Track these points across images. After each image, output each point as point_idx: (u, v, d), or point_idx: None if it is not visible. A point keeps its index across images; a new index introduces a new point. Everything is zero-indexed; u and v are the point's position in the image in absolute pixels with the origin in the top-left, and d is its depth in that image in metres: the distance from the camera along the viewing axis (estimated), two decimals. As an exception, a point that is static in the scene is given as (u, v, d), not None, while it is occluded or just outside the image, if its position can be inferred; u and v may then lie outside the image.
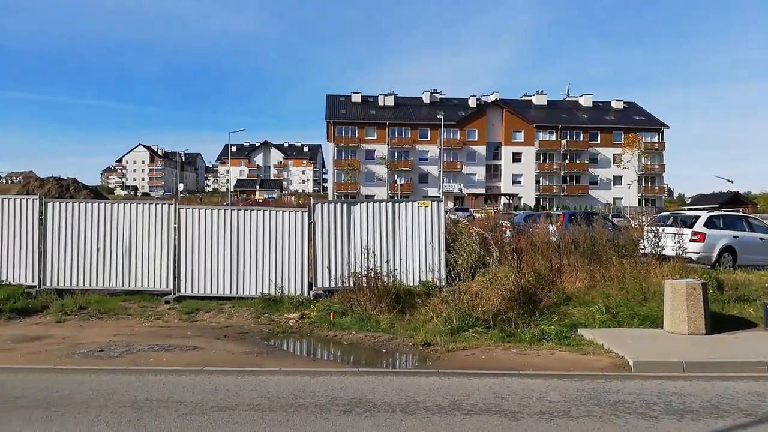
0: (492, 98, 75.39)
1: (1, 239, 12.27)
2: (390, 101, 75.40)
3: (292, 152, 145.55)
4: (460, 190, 71.51)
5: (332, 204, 12.46)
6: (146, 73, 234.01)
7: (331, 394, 6.18)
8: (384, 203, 12.45)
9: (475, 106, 75.16)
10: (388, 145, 71.82)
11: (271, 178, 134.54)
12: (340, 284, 11.59)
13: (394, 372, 7.44)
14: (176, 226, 12.11)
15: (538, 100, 77.97)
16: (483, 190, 70.88)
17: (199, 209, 12.44)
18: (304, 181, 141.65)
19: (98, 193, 25.02)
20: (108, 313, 10.88)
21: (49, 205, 12.40)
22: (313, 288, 12.00)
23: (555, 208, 63.45)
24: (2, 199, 12.59)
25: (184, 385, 6.49)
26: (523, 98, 79.10)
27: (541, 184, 73.66)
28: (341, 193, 69.62)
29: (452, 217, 23.99)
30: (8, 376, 6.92)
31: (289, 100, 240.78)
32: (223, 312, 11.06)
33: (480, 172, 72.79)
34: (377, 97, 76.26)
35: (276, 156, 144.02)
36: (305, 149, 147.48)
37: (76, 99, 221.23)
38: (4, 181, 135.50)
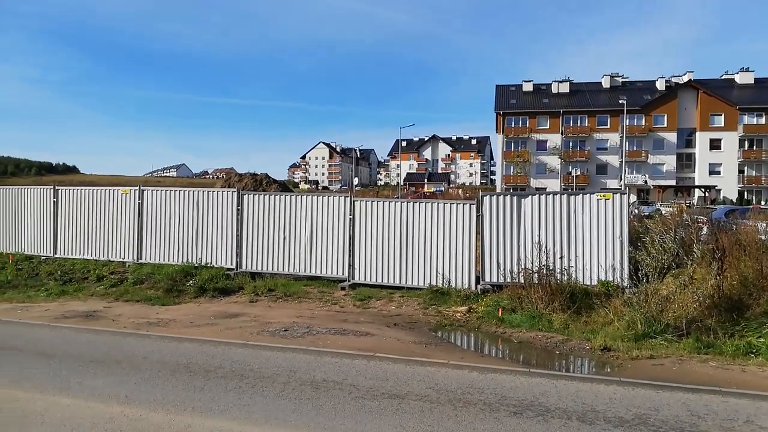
0: (684, 78, 67.19)
1: (207, 227, 14.07)
2: (564, 88, 71.25)
3: (459, 145, 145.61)
4: (645, 181, 65.07)
5: (501, 196, 12.09)
6: (325, 74, 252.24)
7: (501, 393, 5.94)
8: (558, 195, 11.72)
9: (663, 88, 67.67)
10: (561, 134, 68.07)
11: (439, 171, 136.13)
12: (509, 279, 11.20)
13: (569, 376, 6.93)
14: (351, 217, 12.76)
15: (743, 79, 67.40)
16: (672, 182, 63.58)
17: (372, 201, 12.93)
18: (471, 174, 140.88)
19: (285, 187, 27.42)
20: (292, 296, 11.85)
21: (245, 197, 13.88)
22: (481, 282, 11.77)
23: (764, 202, 54.58)
24: (208, 192, 14.43)
25: (358, 369, 6.75)
26: (723, 77, 69.15)
27: (745, 174, 63.75)
28: (510, 185, 67.81)
29: (635, 211, 21.89)
30: (211, 347, 7.86)
31: (457, 94, 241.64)
32: (393, 301, 11.38)
33: (669, 162, 65.48)
34: (550, 84, 72.57)
35: (444, 149, 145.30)
36: (473, 142, 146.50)
37: (267, 102, 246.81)
38: (211, 176, 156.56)
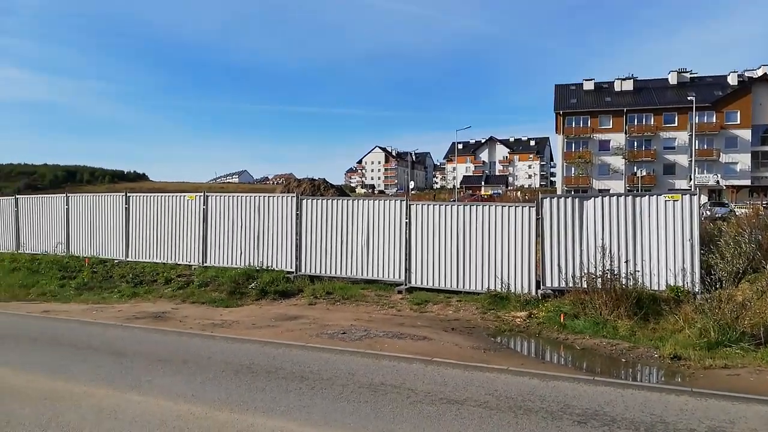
0: (759, 72, 63.28)
1: (268, 231, 14.44)
2: (628, 86, 68.62)
3: (517, 147, 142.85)
4: (717, 181, 61.69)
5: (562, 198, 11.76)
6: (383, 79, 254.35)
7: (563, 401, 5.76)
8: (623, 197, 11.28)
9: (736, 83, 63.98)
10: (625, 133, 65.57)
11: (497, 173, 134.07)
12: (570, 284, 10.87)
13: (636, 385, 6.64)
14: (407, 220, 12.76)
15: (826, 70, 62.84)
16: (747, 182, 59.98)
17: (428, 205, 12.88)
18: (530, 176, 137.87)
19: (342, 191, 27.77)
20: (349, 299, 11.97)
21: (304, 201, 14.15)
22: (541, 287, 11.49)
23: None
24: (269, 197, 14.82)
25: (415, 373, 6.73)
26: (804, 68, 64.64)
27: (828, 172, 59.36)
28: (571, 187, 65.89)
29: (707, 213, 20.80)
30: (272, 348, 8.04)
31: (514, 95, 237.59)
32: (450, 305, 11.28)
33: (743, 161, 61.79)
34: (612, 82, 70.08)
35: (501, 151, 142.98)
36: (531, 143, 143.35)
37: (327, 109, 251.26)
38: (271, 182, 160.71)
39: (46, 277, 15.33)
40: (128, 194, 17.02)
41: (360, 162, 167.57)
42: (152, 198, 16.52)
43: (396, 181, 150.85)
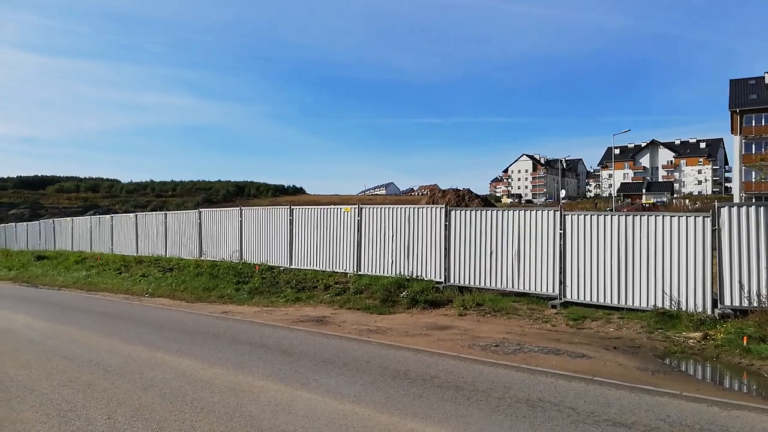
0: None
1: (417, 241, 14.77)
2: (823, 75, 59.08)
3: (684, 150, 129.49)
4: None
5: (744, 207, 10.47)
6: (529, 86, 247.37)
7: (752, 435, 5.13)
8: (822, 205, 9.74)
9: None
10: (820, 131, 56.37)
11: (659, 180, 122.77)
12: (755, 303, 9.64)
13: None
14: (561, 231, 12.26)
15: None
16: None
17: (584, 215, 12.26)
18: (700, 182, 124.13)
19: (487, 201, 27.39)
20: (500, 312, 11.79)
21: (452, 212, 14.28)
22: (719, 306, 10.31)
23: None
24: (418, 208, 15.18)
25: (576, 391, 6.44)
26: None
27: None
28: (751, 194, 58.08)
29: None
30: (426, 357, 8.22)
31: (678, 94, 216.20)
32: (611, 322, 10.59)
33: None
34: (802, 72, 60.82)
35: (665, 155, 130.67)
36: (701, 145, 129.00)
37: (469, 118, 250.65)
38: (416, 193, 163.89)
39: (224, 281, 17.23)
40: (292, 207, 18.54)
41: (506, 171, 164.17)
42: (312, 210, 17.81)
43: (545, 189, 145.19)
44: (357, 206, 16.39)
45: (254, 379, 7.02)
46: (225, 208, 22.35)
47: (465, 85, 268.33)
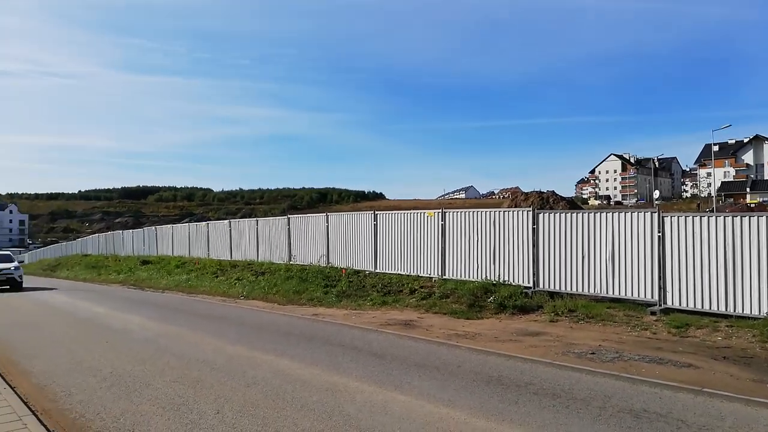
0: None
1: (503, 245, 14.54)
2: None
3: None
4: None
5: None
6: (617, 83, 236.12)
7: None
8: None
9: None
10: None
11: (765, 177, 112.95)
12: None
13: None
14: (660, 234, 11.62)
15: None
16: None
17: (686, 216, 11.53)
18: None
19: (573, 204, 26.38)
20: (594, 318, 11.35)
21: (540, 216, 13.92)
22: None
23: None
24: (504, 212, 14.94)
25: (683, 402, 6.08)
26: None
27: None
28: None
29: None
30: (518, 363, 8.08)
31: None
32: (718, 330, 9.90)
33: None
34: None
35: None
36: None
37: (551, 119, 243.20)
38: (497, 197, 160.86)
39: (312, 284, 17.79)
40: (376, 212, 18.83)
41: (592, 172, 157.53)
42: (396, 215, 17.98)
43: (635, 190, 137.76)
44: (440, 210, 16.37)
45: (349, 379, 7.21)
46: (311, 214, 23.07)
47: (545, 85, 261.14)
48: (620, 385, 6.85)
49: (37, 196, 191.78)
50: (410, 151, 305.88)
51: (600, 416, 5.64)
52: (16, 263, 26.12)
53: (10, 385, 7.16)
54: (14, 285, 24.66)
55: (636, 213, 12.43)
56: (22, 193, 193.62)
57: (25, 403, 6.34)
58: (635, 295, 12.02)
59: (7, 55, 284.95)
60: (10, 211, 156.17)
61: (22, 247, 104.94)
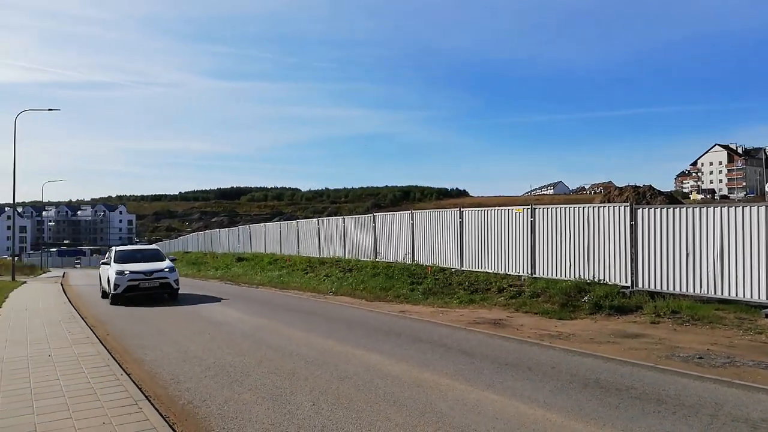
0: None
1: (597, 243, 13.89)
2: None
3: None
4: None
5: None
6: (711, 66, 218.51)
7: None
8: None
9: None
10: None
11: None
12: None
13: None
14: (777, 230, 10.61)
15: None
16: None
17: (808, 210, 10.46)
18: None
19: (673, 198, 24.68)
20: (701, 320, 10.59)
21: (639, 211, 13.16)
22: None
23: None
24: (598, 207, 14.27)
25: (810, 416, 5.53)
26: None
27: None
28: None
29: None
30: (617, 366, 7.69)
31: None
32: None
33: None
34: None
35: None
36: None
37: (644, 109, 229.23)
38: (588, 192, 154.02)
39: (398, 282, 17.93)
40: (461, 209, 18.64)
41: (694, 164, 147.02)
42: (482, 212, 17.71)
43: (744, 183, 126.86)
44: (530, 207, 15.92)
45: (439, 377, 7.20)
46: (396, 212, 23.26)
47: (636, 73, 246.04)
48: (733, 392, 6.34)
49: (142, 198, 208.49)
50: (493, 147, 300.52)
51: (711, 424, 5.25)
52: (169, 263, 18.79)
53: (126, 372, 7.79)
54: (171, 293, 17.91)
55: (748, 207, 11.44)
56: (130, 195, 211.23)
57: (140, 389, 6.87)
58: (748, 295, 11.07)
59: (112, 66, 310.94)
60: (120, 212, 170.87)
61: (131, 245, 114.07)
